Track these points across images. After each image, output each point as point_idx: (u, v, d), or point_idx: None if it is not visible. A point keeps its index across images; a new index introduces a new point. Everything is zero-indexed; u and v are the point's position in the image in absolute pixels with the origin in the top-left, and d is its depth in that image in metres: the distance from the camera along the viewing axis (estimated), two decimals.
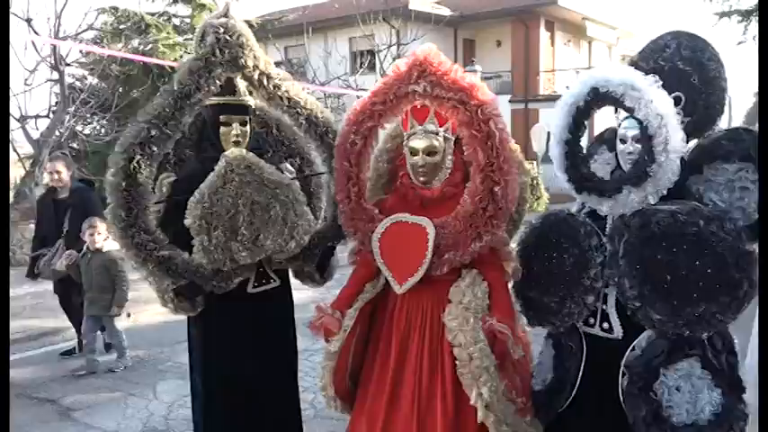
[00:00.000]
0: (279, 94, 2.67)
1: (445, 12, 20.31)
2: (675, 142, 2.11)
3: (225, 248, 2.45)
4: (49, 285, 8.41)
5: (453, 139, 2.44)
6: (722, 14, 15.75)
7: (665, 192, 2.16)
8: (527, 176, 2.69)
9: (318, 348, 5.32)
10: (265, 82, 2.64)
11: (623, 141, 2.30)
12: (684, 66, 2.29)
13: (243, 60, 2.55)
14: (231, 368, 2.67)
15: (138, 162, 2.39)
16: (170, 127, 2.44)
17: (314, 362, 5.11)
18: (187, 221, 2.44)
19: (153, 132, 2.41)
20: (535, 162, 16.55)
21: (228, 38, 2.51)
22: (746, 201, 2.17)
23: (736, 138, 2.26)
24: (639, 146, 2.21)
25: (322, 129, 2.75)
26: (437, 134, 2.39)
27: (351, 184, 2.52)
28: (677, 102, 2.25)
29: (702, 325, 2.07)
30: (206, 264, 2.49)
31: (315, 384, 4.61)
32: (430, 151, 2.39)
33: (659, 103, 2.11)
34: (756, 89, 2.67)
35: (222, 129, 2.62)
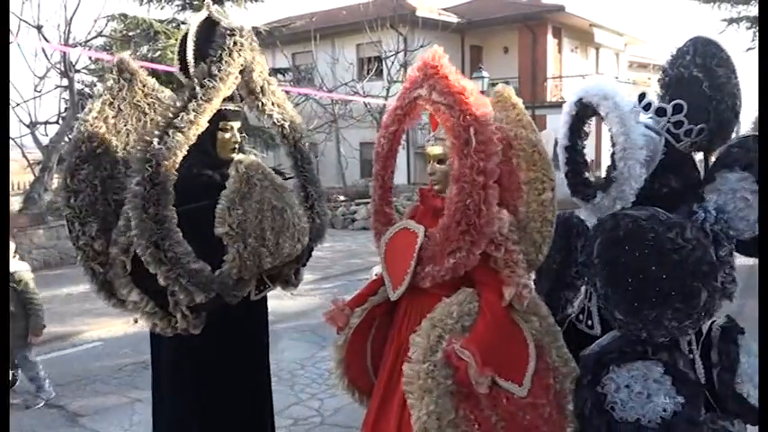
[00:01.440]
0: (273, 99, 2.67)
1: (453, 18, 20.36)
2: (634, 150, 2.19)
3: (256, 255, 2.41)
4: (57, 291, 8.51)
5: None
6: (730, 21, 15.70)
7: (631, 197, 2.24)
8: (550, 192, 2.25)
9: (323, 356, 5.34)
10: (266, 87, 2.63)
11: None
12: (698, 72, 2.30)
13: (253, 66, 2.54)
14: (233, 380, 2.63)
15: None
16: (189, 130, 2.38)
17: (321, 369, 5.11)
18: (220, 230, 2.36)
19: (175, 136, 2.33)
20: None
21: (243, 42, 2.49)
22: (745, 212, 2.20)
23: (744, 146, 2.29)
24: None
25: (298, 135, 2.77)
26: (446, 141, 2.31)
27: (377, 186, 2.57)
28: (678, 109, 2.30)
29: (659, 329, 2.09)
30: (236, 273, 2.41)
31: (321, 392, 4.62)
32: (440, 159, 2.34)
33: (620, 112, 2.22)
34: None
35: (221, 135, 2.58)
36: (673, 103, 2.32)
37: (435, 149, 2.35)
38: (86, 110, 2.50)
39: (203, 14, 2.60)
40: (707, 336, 2.30)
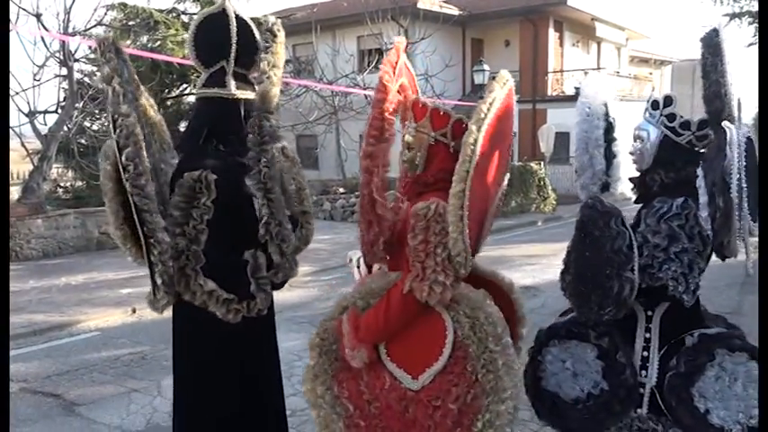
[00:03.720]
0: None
1: (454, 11, 20.27)
2: (593, 140, 2.35)
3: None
4: (56, 280, 8.52)
5: (434, 138, 2.29)
6: (732, 16, 15.65)
7: (593, 187, 2.33)
8: (461, 184, 2.04)
9: None
10: (274, 76, 2.56)
11: (634, 140, 2.40)
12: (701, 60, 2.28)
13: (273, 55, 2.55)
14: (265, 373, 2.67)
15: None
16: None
17: None
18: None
19: None
20: (542, 162, 16.55)
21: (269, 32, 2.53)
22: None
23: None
24: (640, 144, 2.34)
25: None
26: (413, 129, 2.32)
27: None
28: (668, 102, 2.32)
29: (586, 311, 2.19)
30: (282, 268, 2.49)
31: None
32: (408, 146, 2.34)
33: (580, 106, 2.39)
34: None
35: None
36: (663, 94, 2.33)
37: (407, 137, 2.37)
38: (115, 96, 2.31)
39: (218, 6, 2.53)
40: (681, 342, 2.21)
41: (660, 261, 2.11)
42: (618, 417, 2.20)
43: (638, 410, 2.21)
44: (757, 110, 2.22)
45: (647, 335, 2.24)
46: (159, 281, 2.27)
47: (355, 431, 2.18)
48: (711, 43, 2.16)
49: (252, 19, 2.57)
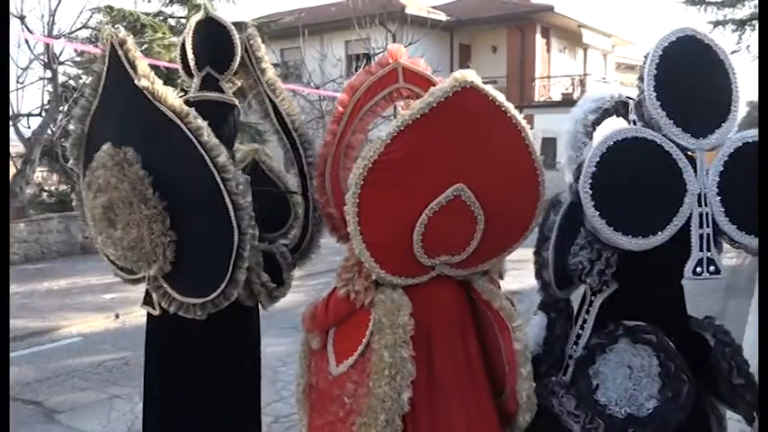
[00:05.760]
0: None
1: (441, 17, 20.33)
2: (567, 146, 2.55)
3: None
4: (38, 285, 8.40)
5: None
6: (716, 23, 15.80)
7: (571, 177, 2.43)
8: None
9: None
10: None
11: None
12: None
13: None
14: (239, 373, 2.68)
15: None
16: None
17: None
18: None
19: None
20: None
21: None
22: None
23: None
24: None
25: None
26: None
27: None
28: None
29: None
30: None
31: None
32: None
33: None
34: (750, 99, 2.66)
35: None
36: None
37: None
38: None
39: (202, 14, 2.58)
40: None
41: (579, 247, 2.29)
42: (543, 375, 2.40)
43: (562, 376, 2.37)
44: (757, 110, 2.23)
45: (586, 316, 2.41)
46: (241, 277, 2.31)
47: (308, 402, 2.38)
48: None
49: (237, 24, 2.59)
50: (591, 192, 2.14)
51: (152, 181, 2.21)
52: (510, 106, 2.21)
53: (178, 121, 2.17)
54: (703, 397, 2.30)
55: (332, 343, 2.31)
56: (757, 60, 2.47)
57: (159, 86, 2.20)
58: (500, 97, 2.18)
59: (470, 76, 2.11)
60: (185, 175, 2.24)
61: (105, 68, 2.30)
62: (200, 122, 2.20)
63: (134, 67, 2.20)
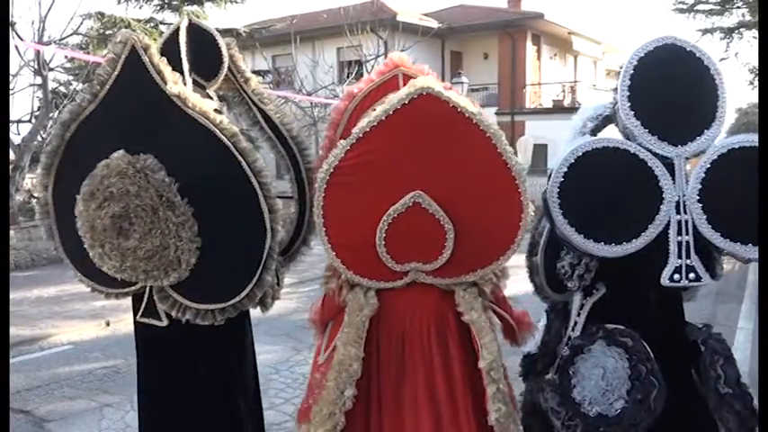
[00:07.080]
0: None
1: (433, 24, 20.40)
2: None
3: None
4: (27, 292, 8.33)
5: None
6: (705, 31, 15.96)
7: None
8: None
9: (299, 360, 5.27)
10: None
11: None
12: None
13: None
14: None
15: None
16: None
17: (295, 373, 5.05)
18: None
19: None
20: None
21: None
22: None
23: None
24: None
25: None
26: None
27: None
28: None
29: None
30: None
31: (296, 396, 4.56)
32: None
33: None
34: (739, 106, 2.70)
35: None
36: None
37: None
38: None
39: (185, 21, 2.55)
40: None
41: (564, 251, 2.37)
42: (539, 374, 2.55)
43: (553, 375, 2.42)
44: (758, 110, 2.26)
45: (578, 318, 2.46)
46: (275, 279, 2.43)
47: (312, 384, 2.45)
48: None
49: (229, 30, 2.60)
50: (559, 201, 2.19)
51: (179, 187, 2.19)
52: (477, 112, 2.13)
53: (212, 128, 2.16)
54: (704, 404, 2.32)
55: (326, 336, 2.45)
56: (757, 60, 2.50)
57: (190, 93, 2.20)
58: (463, 103, 2.11)
59: (428, 82, 2.11)
60: (219, 180, 2.21)
61: (116, 73, 2.23)
62: (235, 129, 2.20)
63: (160, 73, 2.18)
